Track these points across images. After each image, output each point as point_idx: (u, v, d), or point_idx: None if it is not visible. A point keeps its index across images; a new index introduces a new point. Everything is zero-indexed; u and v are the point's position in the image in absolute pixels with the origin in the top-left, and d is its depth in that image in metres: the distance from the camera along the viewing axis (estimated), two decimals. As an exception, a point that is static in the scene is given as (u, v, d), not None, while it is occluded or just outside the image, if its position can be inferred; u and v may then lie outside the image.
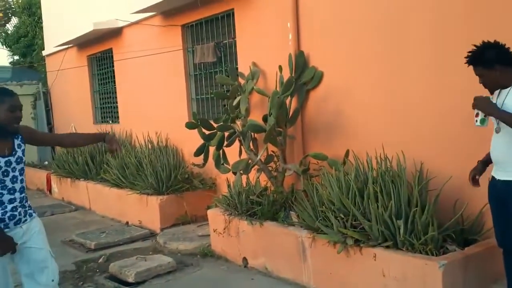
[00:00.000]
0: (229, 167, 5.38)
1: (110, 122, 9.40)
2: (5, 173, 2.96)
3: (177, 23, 6.92)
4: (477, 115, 2.97)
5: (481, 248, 3.49)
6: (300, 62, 4.97)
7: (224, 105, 6.21)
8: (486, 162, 3.18)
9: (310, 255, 4.08)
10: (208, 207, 5.60)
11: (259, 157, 5.14)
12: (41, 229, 3.20)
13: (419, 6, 4.03)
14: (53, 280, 3.18)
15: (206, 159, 5.45)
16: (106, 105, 9.70)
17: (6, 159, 2.96)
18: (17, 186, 3.02)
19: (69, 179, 8.51)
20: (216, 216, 5.17)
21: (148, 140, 7.38)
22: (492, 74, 2.89)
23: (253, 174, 5.25)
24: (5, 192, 2.97)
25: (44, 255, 3.14)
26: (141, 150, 7.18)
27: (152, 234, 6.17)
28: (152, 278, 4.60)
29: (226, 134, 5.27)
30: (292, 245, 4.25)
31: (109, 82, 9.35)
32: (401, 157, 3.93)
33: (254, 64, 5.61)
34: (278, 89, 4.98)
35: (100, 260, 5.25)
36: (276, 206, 4.79)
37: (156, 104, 7.69)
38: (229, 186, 5.20)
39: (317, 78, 4.90)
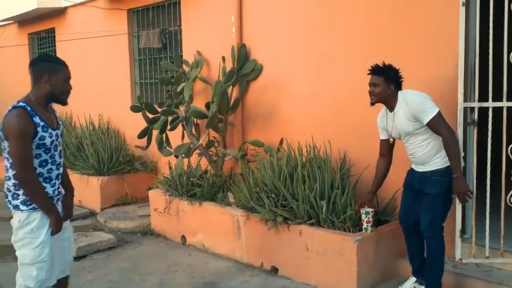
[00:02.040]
0: (172, 151, 5.64)
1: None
2: (55, 147, 2.88)
3: (123, 7, 7.03)
4: (367, 222, 3.70)
5: (392, 227, 3.99)
6: (242, 54, 5.31)
7: (168, 91, 6.44)
8: (375, 192, 3.77)
9: (244, 232, 4.47)
10: (150, 188, 5.86)
11: (200, 142, 5.44)
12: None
13: (350, 9, 4.47)
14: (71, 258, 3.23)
15: (149, 141, 5.68)
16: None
17: (55, 132, 2.88)
18: (61, 161, 2.97)
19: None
20: (157, 196, 5.44)
21: (89, 121, 7.46)
22: (386, 89, 3.37)
23: (194, 158, 5.55)
24: (54, 167, 2.89)
25: (70, 233, 3.15)
26: (82, 131, 7.26)
27: (92, 214, 6.32)
28: (93, 253, 4.82)
29: (170, 118, 5.52)
30: (228, 223, 4.62)
31: (50, 61, 9.23)
32: (327, 146, 4.40)
33: (199, 53, 5.88)
34: (221, 78, 5.30)
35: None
36: (215, 188, 5.13)
37: (98, 86, 7.75)
38: (170, 168, 5.48)
39: (257, 70, 5.26)
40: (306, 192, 3.99)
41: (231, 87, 5.29)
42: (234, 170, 5.39)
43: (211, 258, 4.69)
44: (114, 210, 6.25)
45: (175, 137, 5.69)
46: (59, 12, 8.37)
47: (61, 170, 2.96)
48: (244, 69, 5.32)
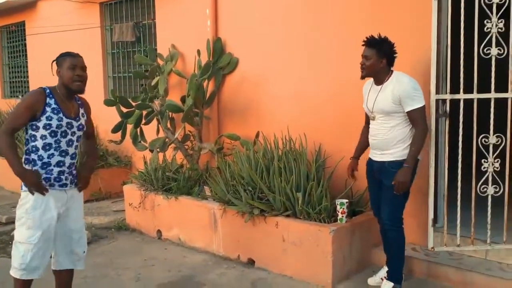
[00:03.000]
0: (146, 145, 5.59)
1: (20, 96, 9.09)
2: (63, 134, 2.99)
3: (95, 0, 6.92)
4: (342, 212, 3.79)
5: (366, 218, 4.07)
6: (217, 48, 5.29)
7: (142, 85, 6.37)
8: (357, 157, 3.78)
9: (221, 225, 4.47)
10: (124, 183, 5.79)
11: (176, 136, 5.41)
12: (82, 200, 3.26)
13: (327, 2, 4.51)
14: (84, 252, 3.25)
15: (123, 136, 5.61)
16: (16, 79, 9.36)
17: (69, 120, 3.00)
18: (71, 150, 3.05)
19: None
20: (132, 191, 5.39)
21: (62, 116, 7.32)
22: (377, 62, 3.32)
23: (169, 152, 5.51)
24: (57, 153, 2.98)
25: (81, 226, 3.22)
26: (55, 126, 7.11)
27: (65, 209, 6.21)
28: (67, 249, 4.74)
29: (144, 112, 5.47)
30: (204, 217, 4.61)
31: (20, 55, 9.03)
32: (303, 139, 4.44)
33: (173, 46, 5.83)
34: (196, 72, 5.27)
35: (13, 233, 5.24)
36: (191, 182, 5.12)
37: (71, 80, 7.61)
38: (145, 163, 5.43)
39: (233, 64, 5.26)
40: (283, 184, 4.01)
41: (206, 80, 5.27)
42: (210, 163, 5.38)
43: (188, 252, 4.68)
44: (88, 205, 6.15)
45: (150, 131, 5.65)
46: (30, 5, 8.18)
47: (67, 159, 3.03)
48: (219, 62, 5.30)
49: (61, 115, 2.97)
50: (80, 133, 3.11)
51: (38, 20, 8.12)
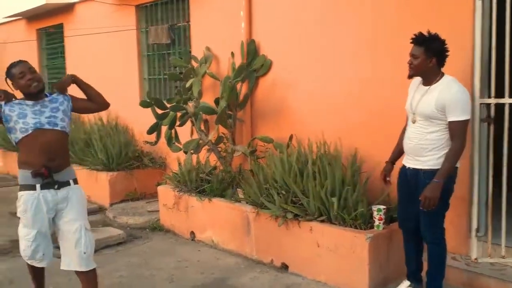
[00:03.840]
0: (180, 146, 5.62)
1: (59, 97, 9.32)
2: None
3: (131, 3, 7.01)
4: (379, 219, 3.66)
5: (403, 224, 3.97)
6: (251, 50, 5.27)
7: (176, 87, 6.42)
8: (393, 161, 3.60)
9: (254, 228, 4.45)
10: (158, 184, 5.84)
11: (209, 138, 5.42)
12: (80, 201, 3.34)
13: (359, 3, 4.42)
14: (84, 253, 3.25)
15: (158, 137, 5.66)
16: (54, 80, 9.59)
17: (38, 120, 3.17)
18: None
19: (14, 153, 8.41)
20: (166, 192, 5.43)
21: (98, 117, 7.46)
22: (426, 62, 3.12)
23: (203, 154, 5.53)
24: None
25: (79, 227, 3.26)
26: (90, 127, 7.26)
27: (101, 209, 6.34)
28: (102, 248, 4.81)
29: (179, 114, 5.50)
30: (237, 219, 4.60)
31: (58, 57, 9.25)
32: (338, 143, 4.36)
33: (208, 48, 5.84)
34: (230, 74, 5.27)
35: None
36: (224, 184, 5.11)
37: (107, 82, 7.66)
38: (179, 164, 5.46)
39: (266, 66, 5.22)
40: (317, 188, 3.95)
41: (240, 83, 5.26)
42: (243, 166, 5.36)
43: (221, 254, 4.68)
44: (123, 205, 6.25)
45: (184, 133, 5.68)
46: (68, 8, 8.37)
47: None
48: (253, 64, 5.28)
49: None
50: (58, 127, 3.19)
51: (76, 23, 8.29)
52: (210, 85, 5.86)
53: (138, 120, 6.84)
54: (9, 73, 3.21)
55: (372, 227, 3.80)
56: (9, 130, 3.18)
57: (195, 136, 5.58)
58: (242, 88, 5.36)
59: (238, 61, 5.29)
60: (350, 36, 4.51)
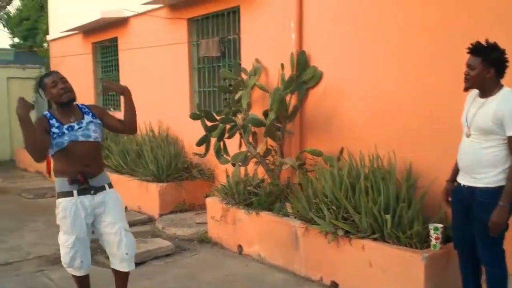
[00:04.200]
0: (229, 159, 5.61)
1: (112, 109, 9.58)
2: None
3: (183, 17, 7.12)
4: (436, 238, 3.48)
5: (462, 244, 3.74)
6: (301, 61, 5.19)
7: (225, 99, 6.43)
8: (454, 180, 3.34)
9: (302, 244, 4.33)
10: (207, 196, 5.84)
11: (258, 150, 5.37)
12: (118, 205, 3.52)
13: (414, 12, 4.27)
14: (127, 254, 3.45)
15: (207, 149, 5.68)
16: (109, 93, 9.87)
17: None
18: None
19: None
20: (214, 204, 5.41)
21: (149, 129, 7.59)
22: (483, 72, 2.95)
23: (251, 166, 5.48)
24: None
25: (119, 229, 3.45)
26: (142, 138, 7.39)
27: (150, 220, 6.40)
28: (151, 260, 4.84)
29: (228, 126, 5.50)
30: (286, 234, 4.50)
31: (112, 70, 9.54)
32: (392, 156, 4.19)
33: (257, 60, 5.83)
34: (279, 85, 5.21)
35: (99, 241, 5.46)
36: (272, 197, 5.04)
37: (158, 94, 7.89)
38: (227, 176, 5.44)
39: (316, 77, 5.13)
40: (370, 204, 3.80)
41: (289, 94, 5.19)
42: (291, 179, 5.27)
43: (268, 269, 4.59)
44: (172, 216, 6.29)
45: (233, 145, 5.66)
46: (122, 22, 8.62)
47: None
48: (303, 76, 5.20)
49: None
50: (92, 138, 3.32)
51: (130, 36, 8.53)
52: (259, 97, 5.83)
53: (188, 132, 6.90)
54: (41, 83, 3.33)
55: (428, 246, 3.61)
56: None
57: (244, 148, 5.55)
58: (292, 100, 5.28)
59: (287, 72, 5.23)
60: (407, 46, 4.35)
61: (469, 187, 3.09)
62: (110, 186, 3.46)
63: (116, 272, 3.54)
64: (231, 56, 6.48)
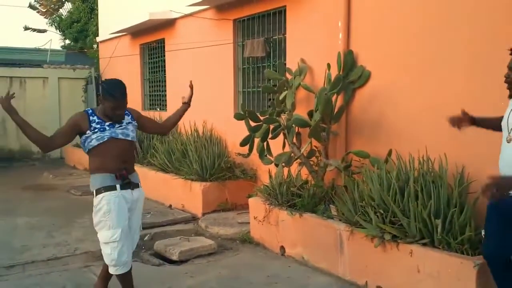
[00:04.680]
0: (272, 159, 5.58)
1: (158, 109, 9.76)
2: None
3: (229, 17, 7.15)
4: None
5: (518, 252, 3.55)
6: (348, 61, 5.10)
7: (269, 99, 6.41)
8: (476, 119, 3.18)
9: (347, 248, 4.24)
10: (249, 196, 5.83)
11: (302, 151, 5.31)
12: (142, 203, 3.74)
13: (461, 11, 4.11)
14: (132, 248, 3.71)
15: (251, 149, 5.67)
16: (155, 93, 10.08)
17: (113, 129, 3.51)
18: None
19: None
20: (257, 205, 5.39)
21: (194, 128, 7.67)
22: None
23: (294, 167, 5.43)
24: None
25: (139, 225, 3.82)
26: (187, 138, 7.48)
27: (193, 218, 6.46)
28: (194, 258, 4.88)
29: (271, 127, 5.47)
30: (330, 237, 4.42)
31: (159, 71, 9.71)
32: (443, 160, 4.03)
33: (302, 60, 5.77)
34: (325, 85, 5.13)
35: (146, 238, 5.56)
36: (315, 199, 4.96)
37: (203, 94, 7.92)
38: (270, 177, 5.40)
39: (364, 77, 5.02)
40: (419, 208, 3.67)
41: (335, 94, 5.10)
42: (336, 181, 5.18)
43: (311, 272, 4.51)
44: (215, 215, 6.32)
45: (276, 145, 5.62)
46: (169, 23, 8.77)
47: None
48: (350, 76, 5.10)
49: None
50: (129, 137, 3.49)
51: (176, 37, 8.65)
52: (303, 98, 5.77)
53: (231, 132, 6.93)
54: (107, 93, 3.38)
55: (480, 253, 3.44)
56: (85, 139, 3.41)
57: (287, 149, 5.51)
58: (338, 100, 5.19)
59: (333, 72, 5.15)
60: (452, 44, 4.19)
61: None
62: (140, 185, 3.63)
63: None
64: (276, 56, 6.45)
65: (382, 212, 3.92)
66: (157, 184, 7.47)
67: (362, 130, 5.15)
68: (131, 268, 3.59)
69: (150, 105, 10.29)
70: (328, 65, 5.20)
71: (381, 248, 3.88)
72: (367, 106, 5.08)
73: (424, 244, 3.65)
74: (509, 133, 2.91)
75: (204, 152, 6.75)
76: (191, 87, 4.09)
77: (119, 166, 3.37)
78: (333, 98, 5.08)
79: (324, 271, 4.48)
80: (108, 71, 11.72)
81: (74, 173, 10.21)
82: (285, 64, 6.06)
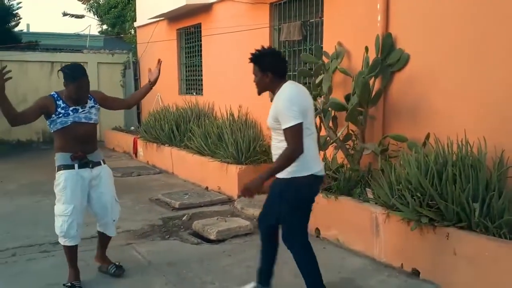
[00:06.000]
0: (308, 143, 5.60)
1: (194, 93, 9.91)
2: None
3: (265, 1, 7.17)
4: None
5: (559, 238, 3.51)
6: (387, 44, 5.05)
7: (305, 83, 6.41)
8: None
9: (383, 230, 4.27)
10: (285, 179, 5.88)
11: (338, 135, 5.32)
12: (111, 178, 4.04)
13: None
14: (114, 221, 4.09)
15: (286, 133, 5.70)
16: (191, 77, 10.22)
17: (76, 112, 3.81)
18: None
19: (155, 144, 9.14)
20: (292, 187, 5.44)
21: (230, 112, 7.77)
22: (263, 78, 3.21)
23: (330, 151, 5.45)
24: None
25: (111, 198, 4.03)
26: (223, 121, 7.59)
27: (229, 200, 6.59)
28: (231, 238, 4.99)
29: (308, 110, 5.48)
30: (365, 220, 4.45)
31: (195, 55, 9.83)
32: (482, 143, 3.99)
33: (340, 43, 5.75)
34: (362, 69, 5.11)
35: (184, 218, 5.73)
36: (351, 182, 4.99)
37: (239, 78, 8.04)
38: (306, 160, 5.44)
39: (403, 60, 4.97)
40: (457, 192, 3.66)
41: (373, 78, 5.08)
42: (372, 165, 5.18)
43: (346, 254, 4.57)
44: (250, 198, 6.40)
45: (313, 129, 5.64)
46: (206, 8, 8.84)
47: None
48: (388, 59, 5.06)
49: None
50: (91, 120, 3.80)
51: (213, 22, 8.73)
52: (340, 81, 5.76)
53: (266, 116, 6.90)
54: (68, 76, 3.64)
55: (520, 238, 3.42)
56: (50, 122, 3.71)
57: (323, 132, 5.52)
58: (375, 84, 5.17)
59: (371, 55, 5.12)
60: (502, 28, 4.10)
61: None
62: (104, 162, 3.96)
63: (101, 235, 4.10)
64: (312, 40, 6.44)
65: (419, 195, 3.92)
66: (194, 167, 7.64)
67: (399, 114, 5.12)
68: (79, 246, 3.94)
69: (187, 89, 10.44)
70: (366, 48, 5.17)
71: (417, 231, 3.90)
72: (405, 90, 5.04)
73: (461, 228, 3.65)
74: None
75: (239, 136, 6.84)
76: (159, 66, 4.18)
77: (79, 148, 3.73)
78: (371, 82, 5.06)
79: (359, 253, 4.53)
80: (145, 56, 11.93)
81: (113, 156, 10.50)
82: (322, 47, 6.04)
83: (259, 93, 3.40)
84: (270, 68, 3.23)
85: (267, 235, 3.61)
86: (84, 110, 3.77)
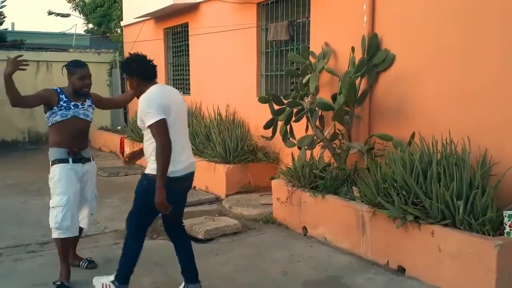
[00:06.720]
0: (295, 142, 5.66)
1: (182, 93, 9.89)
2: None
3: (253, 1, 7.19)
4: (510, 226, 3.38)
5: (540, 234, 3.59)
6: (373, 44, 5.12)
7: (292, 83, 6.46)
8: None
9: (369, 228, 4.33)
10: (272, 178, 5.94)
11: (325, 134, 5.37)
12: (95, 175, 4.26)
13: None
14: (92, 214, 4.31)
15: (274, 132, 5.74)
16: (178, 77, 10.21)
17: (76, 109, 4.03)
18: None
19: (141, 144, 9.07)
20: (279, 186, 5.50)
21: (217, 112, 7.78)
22: (132, 82, 3.45)
23: (317, 150, 5.50)
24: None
25: (93, 194, 4.25)
26: (210, 121, 7.60)
27: (217, 199, 6.61)
28: (219, 237, 5.02)
29: (295, 110, 5.53)
30: (352, 218, 4.51)
31: (183, 55, 9.82)
32: (466, 142, 4.07)
33: (326, 44, 5.80)
34: (349, 69, 5.17)
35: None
36: (338, 181, 5.04)
37: (226, 78, 8.06)
38: (293, 159, 5.50)
39: (388, 60, 5.04)
40: (441, 190, 3.73)
41: (359, 78, 5.14)
42: (358, 164, 5.24)
43: (333, 252, 4.62)
44: (238, 197, 6.45)
45: (299, 129, 5.70)
46: (193, 8, 8.84)
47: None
48: (374, 59, 5.13)
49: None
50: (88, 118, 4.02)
51: (200, 22, 8.73)
52: (327, 81, 5.81)
53: (254, 115, 7.02)
54: (71, 68, 3.94)
55: (501, 234, 3.50)
56: (50, 113, 3.87)
57: (310, 132, 5.57)
58: (361, 84, 5.23)
59: (358, 56, 5.18)
60: (486, 28, 4.18)
61: None
62: (93, 159, 4.16)
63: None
64: (299, 40, 6.49)
65: (405, 193, 3.99)
66: (181, 166, 7.62)
67: (385, 113, 5.19)
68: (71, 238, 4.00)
69: (175, 88, 10.41)
70: (353, 49, 5.23)
71: (402, 228, 3.96)
72: (391, 90, 5.11)
73: (446, 225, 3.72)
74: None
75: (227, 135, 6.87)
76: None
77: (74, 143, 3.90)
78: (357, 82, 5.12)
79: (346, 251, 4.58)
80: (132, 55, 11.85)
81: (100, 155, 10.43)
82: (308, 47, 6.09)
83: (136, 96, 3.53)
84: (135, 72, 3.44)
85: (174, 235, 3.78)
86: (83, 107, 4.00)
